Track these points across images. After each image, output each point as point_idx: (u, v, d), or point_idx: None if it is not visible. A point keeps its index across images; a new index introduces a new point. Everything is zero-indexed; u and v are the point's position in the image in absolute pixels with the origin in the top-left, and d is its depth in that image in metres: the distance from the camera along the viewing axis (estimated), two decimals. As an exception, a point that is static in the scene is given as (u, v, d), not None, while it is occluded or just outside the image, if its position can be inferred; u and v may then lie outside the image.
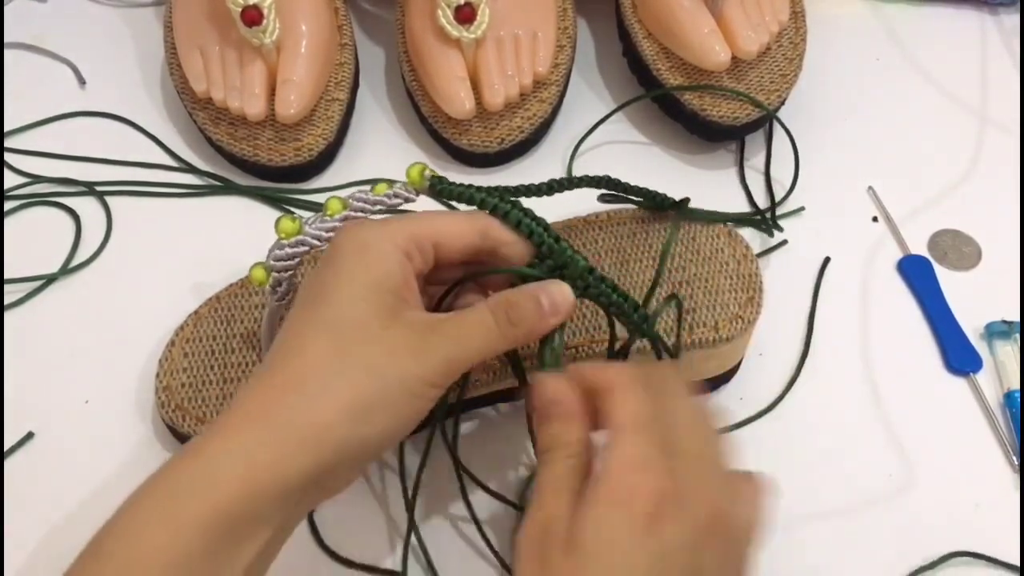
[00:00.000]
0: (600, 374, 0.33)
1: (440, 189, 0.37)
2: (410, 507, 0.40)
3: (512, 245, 0.35)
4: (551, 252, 0.35)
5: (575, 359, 0.41)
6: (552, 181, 0.39)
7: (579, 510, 0.29)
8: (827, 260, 0.51)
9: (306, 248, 0.37)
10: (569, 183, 0.40)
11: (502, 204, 0.35)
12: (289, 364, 0.32)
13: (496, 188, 0.37)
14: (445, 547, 0.42)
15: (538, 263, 0.35)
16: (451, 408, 0.39)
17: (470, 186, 0.36)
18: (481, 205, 0.35)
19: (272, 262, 0.37)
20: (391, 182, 0.39)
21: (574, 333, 0.42)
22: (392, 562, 0.41)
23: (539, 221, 0.35)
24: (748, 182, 0.55)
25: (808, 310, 0.50)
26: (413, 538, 0.41)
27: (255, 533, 0.30)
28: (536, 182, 0.39)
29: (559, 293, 0.34)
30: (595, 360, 0.41)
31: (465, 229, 0.34)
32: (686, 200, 0.44)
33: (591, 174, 0.40)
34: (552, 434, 0.32)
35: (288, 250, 0.37)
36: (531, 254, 0.35)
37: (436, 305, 0.36)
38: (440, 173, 0.54)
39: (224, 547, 0.29)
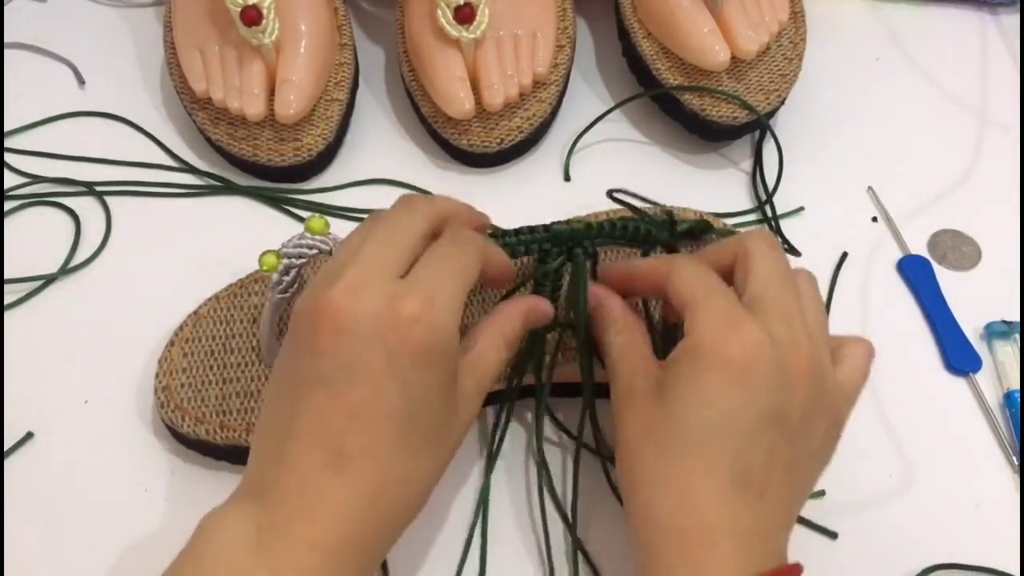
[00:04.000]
0: (655, 267, 0.36)
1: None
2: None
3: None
4: (553, 238, 0.39)
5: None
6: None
7: (671, 368, 0.33)
8: (844, 255, 0.51)
9: (328, 248, 0.37)
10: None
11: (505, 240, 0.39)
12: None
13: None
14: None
15: (551, 249, 0.39)
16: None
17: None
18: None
19: (287, 249, 0.37)
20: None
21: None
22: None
23: (526, 229, 0.39)
24: (748, 181, 0.55)
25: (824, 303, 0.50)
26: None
27: None
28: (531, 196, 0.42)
29: (533, 306, 0.37)
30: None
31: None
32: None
33: (588, 175, 0.40)
34: (616, 331, 0.37)
35: (308, 241, 0.37)
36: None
37: None
38: (441, 174, 0.55)
39: None
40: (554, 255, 0.39)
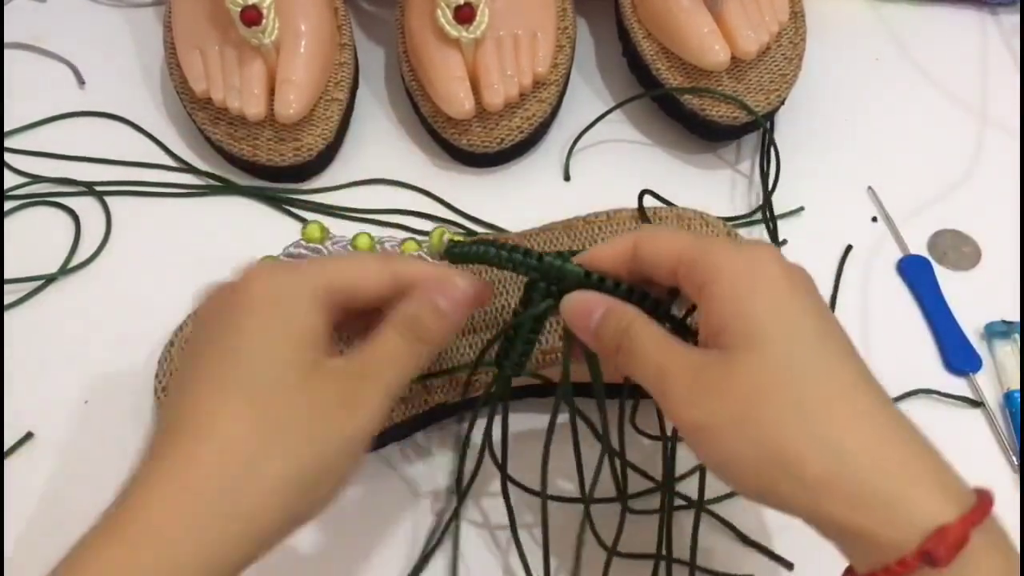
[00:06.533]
0: (621, 252, 0.32)
1: (456, 253, 0.35)
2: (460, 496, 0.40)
3: (431, 279, 0.33)
4: (543, 272, 0.33)
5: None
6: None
7: (718, 329, 0.29)
8: (849, 247, 0.51)
9: (326, 255, 0.37)
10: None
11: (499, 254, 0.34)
12: (203, 437, 0.27)
13: (515, 248, 0.34)
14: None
15: (537, 285, 0.34)
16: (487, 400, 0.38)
17: (484, 244, 0.35)
18: (490, 261, 0.34)
19: (283, 256, 0.37)
20: (419, 243, 0.39)
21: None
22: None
23: (521, 251, 0.34)
24: (747, 182, 0.55)
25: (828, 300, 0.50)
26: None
27: None
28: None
29: (457, 289, 0.32)
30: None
31: (377, 274, 0.32)
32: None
33: (588, 175, 0.38)
34: (615, 327, 0.31)
35: (303, 251, 0.37)
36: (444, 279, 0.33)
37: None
38: (441, 174, 0.55)
39: None
40: (541, 291, 0.34)
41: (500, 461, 0.38)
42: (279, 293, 0.30)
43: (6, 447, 0.44)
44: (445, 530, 0.42)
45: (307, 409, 0.28)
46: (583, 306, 0.32)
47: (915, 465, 0.28)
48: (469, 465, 0.41)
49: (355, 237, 0.41)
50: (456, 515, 0.41)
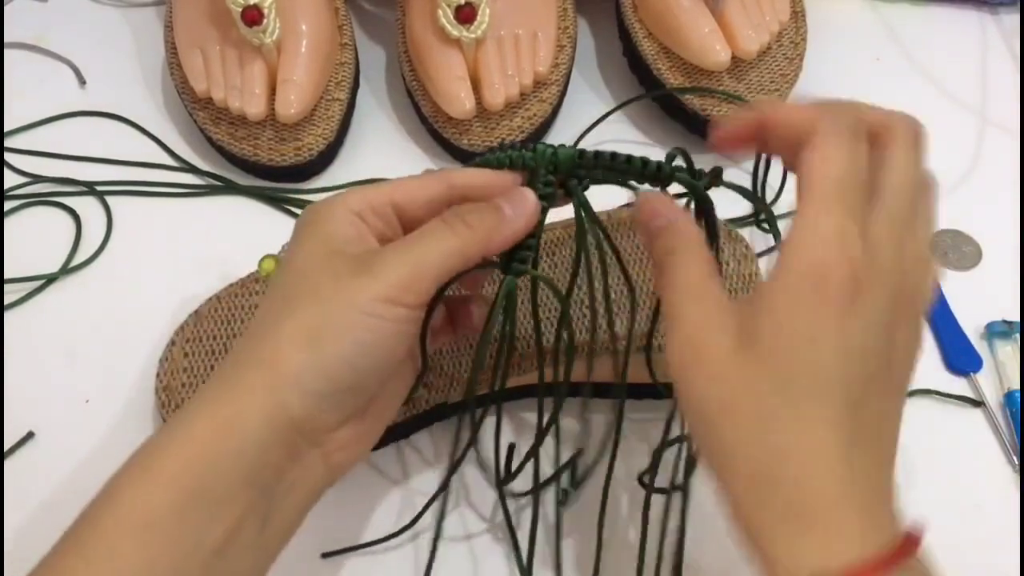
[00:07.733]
0: (796, 114, 0.29)
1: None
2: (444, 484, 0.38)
3: (484, 186, 0.33)
4: (540, 157, 0.33)
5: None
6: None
7: (759, 299, 0.27)
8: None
9: None
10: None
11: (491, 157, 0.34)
12: (248, 326, 0.33)
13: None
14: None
15: (538, 173, 0.33)
16: (482, 399, 0.37)
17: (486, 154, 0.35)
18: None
19: (282, 255, 0.37)
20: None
21: (578, 332, 0.42)
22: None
23: (516, 147, 0.34)
24: (748, 182, 0.55)
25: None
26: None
27: (225, 502, 0.29)
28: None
29: (520, 197, 0.33)
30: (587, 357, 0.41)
31: (426, 182, 0.33)
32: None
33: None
34: (665, 246, 0.31)
35: None
36: (505, 185, 0.33)
37: (433, 301, 0.34)
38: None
39: (194, 509, 0.28)
40: (543, 177, 0.33)
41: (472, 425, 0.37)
42: (316, 213, 0.33)
43: (6, 447, 0.44)
44: (430, 503, 0.40)
45: (320, 280, 0.31)
46: (653, 206, 0.32)
47: (812, 523, 0.26)
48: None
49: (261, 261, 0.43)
50: (445, 486, 0.38)
